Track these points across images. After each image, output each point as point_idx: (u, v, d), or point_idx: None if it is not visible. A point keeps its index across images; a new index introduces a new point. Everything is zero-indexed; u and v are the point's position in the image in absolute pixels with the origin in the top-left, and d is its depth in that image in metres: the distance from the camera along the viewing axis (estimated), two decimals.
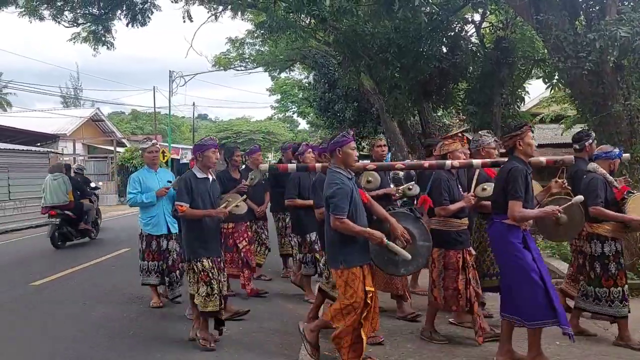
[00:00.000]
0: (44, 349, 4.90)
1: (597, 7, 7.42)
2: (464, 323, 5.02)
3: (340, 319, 3.93)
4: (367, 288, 3.89)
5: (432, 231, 4.37)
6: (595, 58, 6.81)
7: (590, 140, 5.22)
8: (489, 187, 4.63)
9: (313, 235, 6.15)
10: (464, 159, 4.70)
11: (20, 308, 6.35)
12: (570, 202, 4.22)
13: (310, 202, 5.56)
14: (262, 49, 21.70)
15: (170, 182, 6.01)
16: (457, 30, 10.82)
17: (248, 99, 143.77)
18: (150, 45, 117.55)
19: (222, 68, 23.62)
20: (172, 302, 6.21)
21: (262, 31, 12.97)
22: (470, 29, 11.33)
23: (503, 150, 4.59)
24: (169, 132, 35.72)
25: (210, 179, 4.84)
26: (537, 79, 11.21)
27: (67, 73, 70.04)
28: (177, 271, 6.05)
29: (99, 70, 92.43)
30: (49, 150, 17.74)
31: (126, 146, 28.51)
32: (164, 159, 25.83)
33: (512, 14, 9.61)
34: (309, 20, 12.69)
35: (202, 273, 4.67)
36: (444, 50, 10.66)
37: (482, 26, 11.22)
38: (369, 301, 3.88)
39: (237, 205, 5.06)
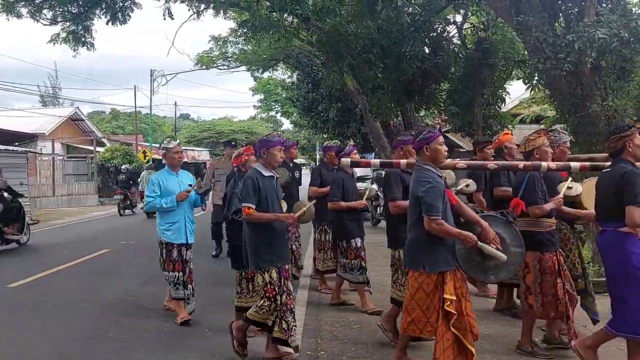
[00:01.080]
0: (23, 350, 4.82)
1: (576, 9, 7.55)
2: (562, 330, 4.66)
3: (414, 330, 3.73)
4: (446, 296, 3.58)
5: (523, 233, 4.03)
6: (574, 59, 6.91)
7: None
8: (575, 187, 4.47)
9: (359, 241, 5.84)
10: (551, 154, 4.42)
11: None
12: None
13: (356, 203, 5.67)
14: (245, 48, 21.63)
15: (190, 185, 5.56)
16: (439, 31, 10.91)
17: (231, 98, 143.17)
18: (131, 44, 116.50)
19: (204, 67, 23.50)
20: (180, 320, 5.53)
21: (245, 30, 12.93)
22: (452, 30, 11.44)
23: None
24: (150, 131, 35.38)
25: (275, 178, 4.42)
26: (517, 79, 11.34)
27: (45, 72, 68.92)
28: (192, 283, 5.62)
29: (79, 69, 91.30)
30: (27, 149, 17.44)
31: (106, 146, 28.15)
32: (144, 158, 25.71)
33: (493, 15, 9.71)
34: (292, 19, 12.69)
35: (269, 286, 4.13)
36: (427, 51, 10.73)
37: (464, 27, 11.31)
38: (447, 309, 3.56)
39: (304, 211, 4.61)
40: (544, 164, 4.19)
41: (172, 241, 5.44)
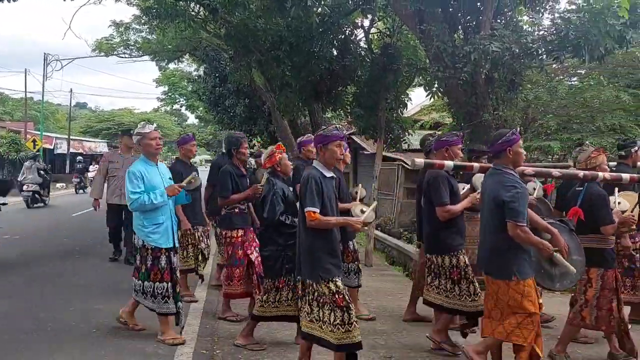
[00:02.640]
0: None
1: (474, 22, 7.99)
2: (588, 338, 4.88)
3: (519, 335, 3.58)
4: (540, 301, 3.68)
5: (592, 249, 4.13)
6: (470, 70, 7.30)
7: (636, 148, 5.24)
8: (623, 202, 4.50)
9: (355, 243, 5.69)
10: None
11: None
12: None
13: (349, 205, 4.95)
14: (149, 37, 20.71)
15: (173, 179, 4.95)
16: (347, 34, 11.07)
17: (132, 88, 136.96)
18: (23, 25, 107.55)
19: (103, 54, 22.19)
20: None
21: (149, 17, 12.36)
22: (360, 33, 11.66)
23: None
24: (41, 119, 32.88)
25: (335, 178, 3.99)
26: (419, 86, 11.81)
27: None
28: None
29: None
30: None
31: None
32: (34, 148, 23.82)
33: (398, 22, 10.03)
34: (199, 9, 12.31)
35: (337, 295, 3.65)
36: (335, 52, 10.86)
37: (371, 32, 11.59)
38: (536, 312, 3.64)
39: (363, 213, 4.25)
40: (600, 173, 4.30)
41: (161, 245, 4.59)
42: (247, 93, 18.99)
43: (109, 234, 8.25)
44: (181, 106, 39.09)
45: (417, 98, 14.26)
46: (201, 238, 6.22)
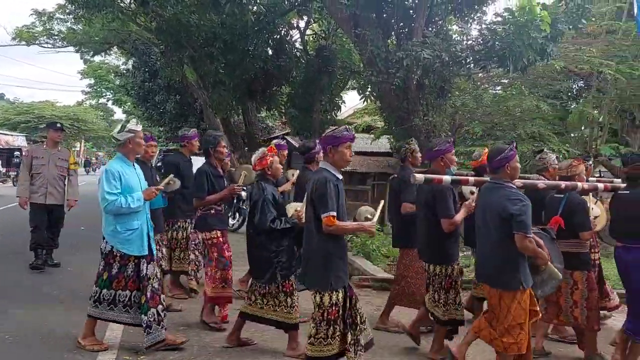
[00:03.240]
0: None
1: (407, 29, 8.19)
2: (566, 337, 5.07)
3: (515, 348, 3.73)
4: (534, 308, 3.81)
5: (572, 254, 4.34)
6: (403, 75, 7.47)
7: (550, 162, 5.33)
8: (595, 209, 4.74)
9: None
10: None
11: None
12: None
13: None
14: (75, 27, 19.70)
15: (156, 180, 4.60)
16: (282, 34, 11.05)
17: (55, 80, 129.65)
18: None
19: (24, 43, 20.89)
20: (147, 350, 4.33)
21: (74, 7, 11.75)
22: (296, 34, 11.68)
23: None
24: None
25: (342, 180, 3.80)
26: (353, 89, 11.97)
27: None
28: (159, 307, 4.31)
29: None
30: None
31: None
32: None
33: (333, 25, 10.12)
34: (129, 1, 11.85)
35: (332, 308, 3.56)
36: (270, 52, 10.80)
37: (307, 33, 11.63)
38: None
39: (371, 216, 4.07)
40: (579, 184, 4.47)
41: (131, 253, 4.19)
42: (178, 89, 18.48)
43: (32, 238, 7.48)
44: (108, 100, 37.54)
45: (351, 101, 14.43)
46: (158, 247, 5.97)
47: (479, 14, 8.18)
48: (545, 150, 5.43)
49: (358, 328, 3.67)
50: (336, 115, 11.25)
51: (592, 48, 9.60)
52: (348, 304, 3.65)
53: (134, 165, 4.35)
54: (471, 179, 4.39)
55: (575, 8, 7.22)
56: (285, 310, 4.33)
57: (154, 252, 4.39)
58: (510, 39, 6.81)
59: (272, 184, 4.51)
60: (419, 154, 5.23)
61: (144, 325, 4.19)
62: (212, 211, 5.09)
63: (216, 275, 4.97)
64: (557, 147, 9.82)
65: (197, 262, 5.78)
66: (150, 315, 4.20)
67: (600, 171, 11.67)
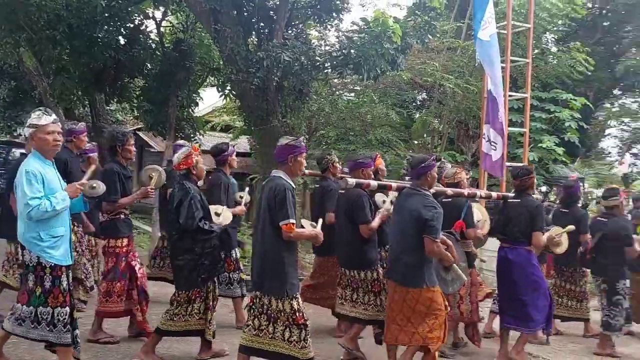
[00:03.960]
0: None
1: (267, 30, 8.18)
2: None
3: (433, 337, 4.05)
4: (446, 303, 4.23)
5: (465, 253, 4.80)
6: (262, 75, 7.45)
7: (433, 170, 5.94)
8: (477, 212, 5.20)
9: (237, 252, 5.46)
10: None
11: None
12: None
13: (239, 210, 5.16)
14: None
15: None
16: (136, 23, 10.39)
17: None
18: None
19: None
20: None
21: None
22: (151, 25, 11.06)
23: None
24: None
25: None
26: (212, 86, 11.69)
27: None
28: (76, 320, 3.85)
29: None
30: None
31: None
32: None
33: (192, 18, 9.78)
34: None
35: (298, 313, 3.66)
36: (122, 41, 10.09)
37: (163, 25, 11.08)
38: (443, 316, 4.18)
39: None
40: (478, 191, 5.36)
41: (61, 263, 3.65)
42: (13, 75, 16.46)
43: None
44: None
45: (210, 98, 14.09)
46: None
47: (336, 21, 8.47)
48: (442, 159, 5.80)
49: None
50: (193, 112, 10.88)
51: (435, 62, 10.48)
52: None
53: (52, 163, 3.78)
54: (394, 184, 4.68)
55: (423, 24, 7.80)
56: (197, 317, 4.23)
57: (72, 260, 3.90)
58: (365, 47, 7.15)
59: (195, 184, 4.33)
60: (339, 165, 5.64)
61: (72, 342, 3.69)
62: (122, 216, 4.72)
63: (110, 288, 4.66)
64: (403, 153, 10.58)
65: (85, 269, 5.54)
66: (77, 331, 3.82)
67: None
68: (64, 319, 3.65)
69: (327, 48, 7.93)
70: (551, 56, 12.11)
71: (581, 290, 6.15)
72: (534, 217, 4.79)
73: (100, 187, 4.28)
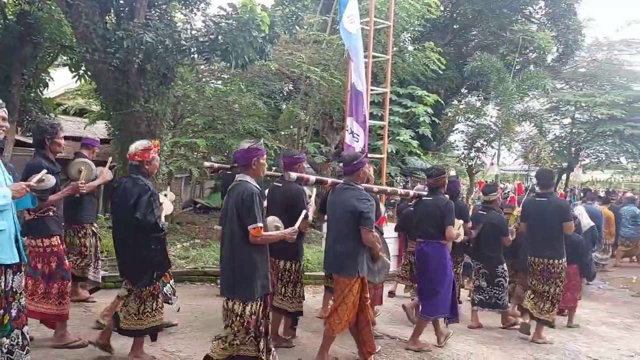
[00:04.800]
0: None
1: (127, 9, 7.68)
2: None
3: (337, 319, 4.41)
4: (367, 295, 4.55)
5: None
6: (122, 56, 7.00)
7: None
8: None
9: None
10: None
11: None
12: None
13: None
14: None
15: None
16: None
17: None
18: None
19: None
20: None
21: None
22: None
23: None
24: None
25: None
26: (64, 66, 10.70)
27: None
28: (25, 327, 3.46)
29: None
30: None
31: None
32: None
33: None
34: None
35: (251, 317, 3.71)
36: None
37: None
38: (367, 305, 4.55)
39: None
40: (399, 190, 6.17)
41: (3, 262, 3.26)
42: None
43: None
44: None
45: (62, 79, 12.90)
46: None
47: (202, 5, 8.21)
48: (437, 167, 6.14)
49: (268, 337, 3.85)
50: (42, 93, 9.88)
51: (302, 54, 10.65)
52: (262, 313, 3.78)
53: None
54: (329, 180, 4.97)
55: (291, 14, 7.87)
56: (150, 315, 4.22)
57: (24, 260, 3.53)
58: (233, 34, 7.02)
59: (150, 180, 4.26)
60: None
61: (4, 351, 3.35)
62: (51, 213, 4.50)
63: (63, 288, 4.51)
64: (271, 144, 10.62)
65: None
66: (14, 338, 3.40)
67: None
68: None
69: (194, 32, 7.64)
70: (408, 54, 12.94)
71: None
72: (444, 213, 5.20)
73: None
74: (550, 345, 5.86)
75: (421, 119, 12.76)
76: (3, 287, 3.30)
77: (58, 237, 4.57)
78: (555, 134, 21.16)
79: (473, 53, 16.27)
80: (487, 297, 6.37)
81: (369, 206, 4.33)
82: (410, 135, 12.48)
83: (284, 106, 13.39)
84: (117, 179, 4.70)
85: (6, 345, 3.36)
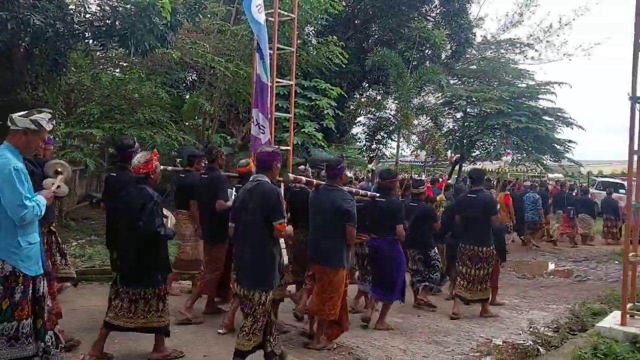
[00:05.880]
0: None
1: None
2: None
3: (332, 312, 4.97)
4: (347, 282, 5.16)
5: None
6: (6, 39, 6.46)
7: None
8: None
9: None
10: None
11: None
12: None
13: None
14: None
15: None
16: None
17: None
18: None
19: None
20: None
21: None
22: None
23: None
24: None
25: None
26: None
27: None
28: (56, 327, 3.84)
29: None
30: None
31: None
32: None
33: None
34: None
35: (265, 305, 4.08)
36: None
37: None
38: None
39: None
40: (361, 191, 6.33)
41: (34, 273, 3.47)
42: None
43: None
44: None
45: None
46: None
47: None
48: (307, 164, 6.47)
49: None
50: None
51: (206, 44, 10.40)
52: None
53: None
54: (303, 179, 5.44)
55: (194, 2, 7.65)
56: (157, 315, 4.46)
57: (48, 267, 3.92)
58: (132, 20, 6.71)
59: (153, 188, 4.52)
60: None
61: (40, 352, 3.54)
62: None
63: None
64: (175, 135, 10.29)
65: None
66: (48, 339, 3.63)
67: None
68: (27, 331, 3.48)
69: (88, 16, 7.19)
70: (312, 47, 13.08)
71: None
72: (396, 213, 5.93)
73: (64, 189, 4.11)
74: (448, 327, 6.29)
75: (325, 111, 12.98)
76: (37, 295, 3.52)
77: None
78: (449, 127, 22.49)
79: (373, 48, 16.75)
80: (424, 278, 7.16)
81: (353, 204, 4.95)
82: (315, 128, 12.65)
83: (188, 96, 13.02)
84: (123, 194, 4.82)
85: (42, 347, 3.57)
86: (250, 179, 4.28)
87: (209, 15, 10.87)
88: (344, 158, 8.64)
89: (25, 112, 3.47)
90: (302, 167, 7.66)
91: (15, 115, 3.40)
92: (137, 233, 4.32)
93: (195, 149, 6.39)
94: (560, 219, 15.50)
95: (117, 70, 11.94)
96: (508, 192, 12.53)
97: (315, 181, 5.44)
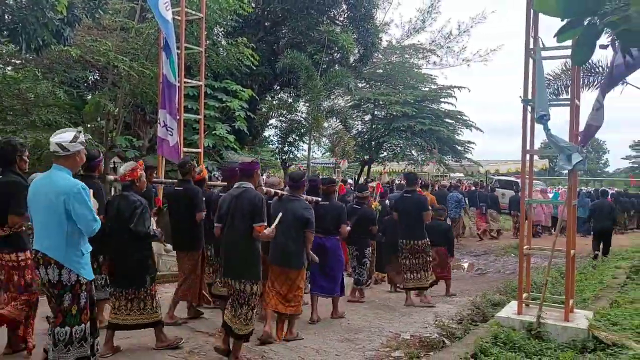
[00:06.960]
0: None
1: None
2: None
3: (297, 307, 5.74)
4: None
5: None
6: None
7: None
8: None
9: None
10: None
11: None
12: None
13: None
14: None
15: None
16: None
17: None
18: None
19: None
20: None
21: None
22: None
23: None
24: None
25: None
26: None
27: None
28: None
29: None
30: None
31: None
32: None
33: None
34: None
35: (255, 295, 4.82)
36: None
37: None
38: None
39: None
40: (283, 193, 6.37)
41: (91, 277, 3.96)
42: None
43: None
44: None
45: None
46: None
47: None
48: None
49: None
50: None
51: (108, 41, 9.90)
52: None
53: None
54: (272, 190, 5.81)
55: None
56: (152, 312, 4.95)
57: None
58: (23, 13, 6.24)
59: (140, 194, 4.93)
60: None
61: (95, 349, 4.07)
62: (23, 228, 4.65)
63: (22, 297, 4.61)
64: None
65: None
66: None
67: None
68: (90, 331, 3.97)
69: None
70: (221, 48, 12.87)
71: None
72: (340, 215, 6.65)
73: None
74: (359, 325, 6.44)
75: (237, 113, 12.84)
76: (93, 297, 4.01)
77: (29, 251, 4.58)
78: (358, 129, 23.02)
79: (284, 50, 16.80)
80: (354, 273, 7.87)
81: (312, 214, 5.62)
82: (226, 130, 12.47)
83: (90, 96, 12.32)
84: (111, 197, 5.27)
85: (97, 345, 4.10)
86: (236, 186, 4.91)
87: (110, 12, 10.37)
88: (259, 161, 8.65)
89: (62, 134, 3.78)
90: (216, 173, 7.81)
91: (64, 144, 3.73)
92: (128, 237, 4.72)
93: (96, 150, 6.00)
94: (473, 216, 16.72)
95: (9, 68, 11.06)
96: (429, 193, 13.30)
97: (280, 192, 5.95)
